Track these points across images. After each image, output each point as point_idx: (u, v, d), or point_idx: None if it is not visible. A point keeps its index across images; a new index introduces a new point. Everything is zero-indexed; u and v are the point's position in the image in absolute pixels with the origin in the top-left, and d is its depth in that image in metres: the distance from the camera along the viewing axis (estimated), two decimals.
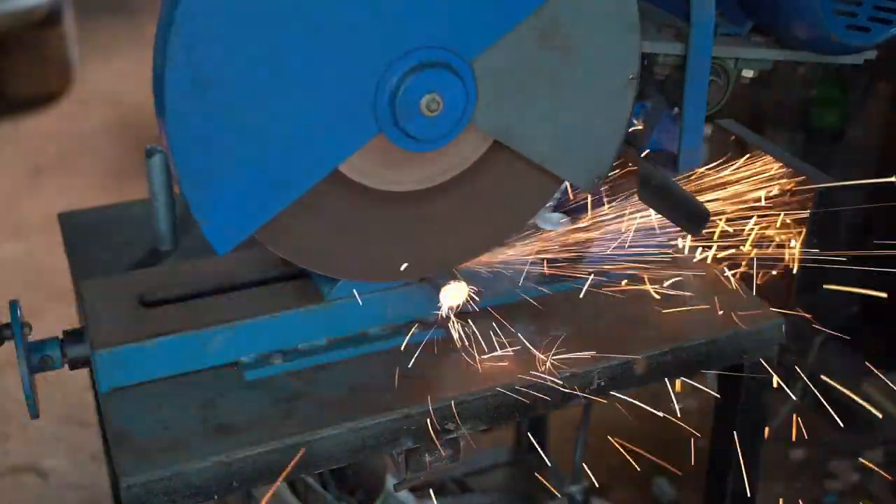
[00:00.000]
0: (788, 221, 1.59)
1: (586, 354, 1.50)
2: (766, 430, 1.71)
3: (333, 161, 1.34)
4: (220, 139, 1.27)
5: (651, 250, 1.62)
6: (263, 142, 1.29)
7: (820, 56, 1.52)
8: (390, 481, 2.13)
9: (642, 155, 1.55)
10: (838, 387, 2.08)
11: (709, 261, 1.68)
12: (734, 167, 1.65)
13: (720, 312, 1.60)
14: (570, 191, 1.66)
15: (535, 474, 2.51)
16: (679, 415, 1.61)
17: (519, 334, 1.54)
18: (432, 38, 1.29)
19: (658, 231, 1.61)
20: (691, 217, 1.47)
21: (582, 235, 1.60)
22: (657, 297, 1.63)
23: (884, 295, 1.62)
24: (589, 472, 2.21)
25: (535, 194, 1.50)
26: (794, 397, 2.69)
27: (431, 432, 1.42)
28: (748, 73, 1.54)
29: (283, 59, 1.25)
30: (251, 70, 1.24)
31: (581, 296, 1.60)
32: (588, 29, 1.36)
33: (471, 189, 1.47)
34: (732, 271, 1.66)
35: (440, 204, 1.47)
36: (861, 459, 2.78)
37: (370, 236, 1.45)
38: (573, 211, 1.65)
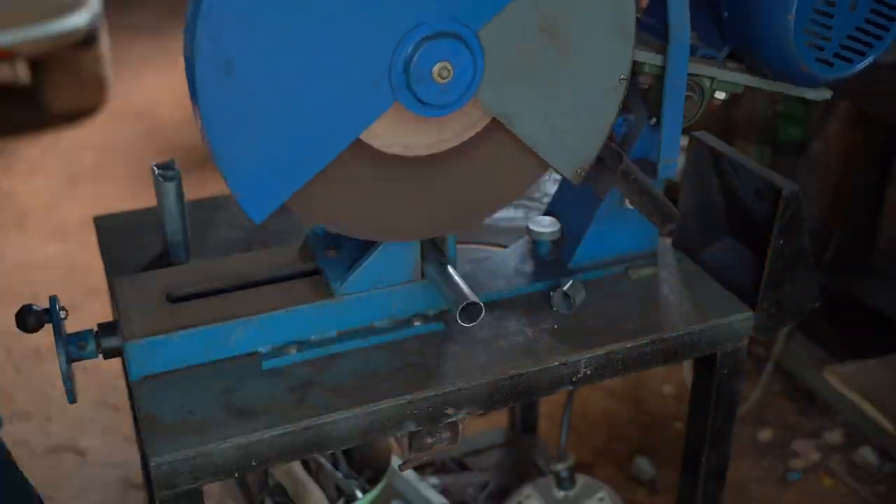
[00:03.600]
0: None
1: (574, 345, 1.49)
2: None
3: (355, 131, 1.32)
4: (248, 119, 1.25)
5: None
6: (289, 118, 1.27)
7: (787, 87, 1.51)
8: (395, 461, 2.12)
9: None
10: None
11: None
12: None
13: (696, 307, 1.60)
14: None
15: (527, 454, 2.50)
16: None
17: (511, 327, 1.54)
18: (442, 9, 1.27)
19: None
20: (662, 216, 1.46)
21: None
22: (639, 293, 1.62)
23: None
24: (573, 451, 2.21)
25: (527, 172, 1.47)
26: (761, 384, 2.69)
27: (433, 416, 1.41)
28: (720, 96, 1.53)
29: (303, 41, 1.23)
30: (274, 54, 1.22)
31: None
32: (587, 30, 1.35)
33: (471, 158, 1.44)
34: None
35: (445, 169, 1.43)
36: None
37: (386, 198, 1.42)
38: None
